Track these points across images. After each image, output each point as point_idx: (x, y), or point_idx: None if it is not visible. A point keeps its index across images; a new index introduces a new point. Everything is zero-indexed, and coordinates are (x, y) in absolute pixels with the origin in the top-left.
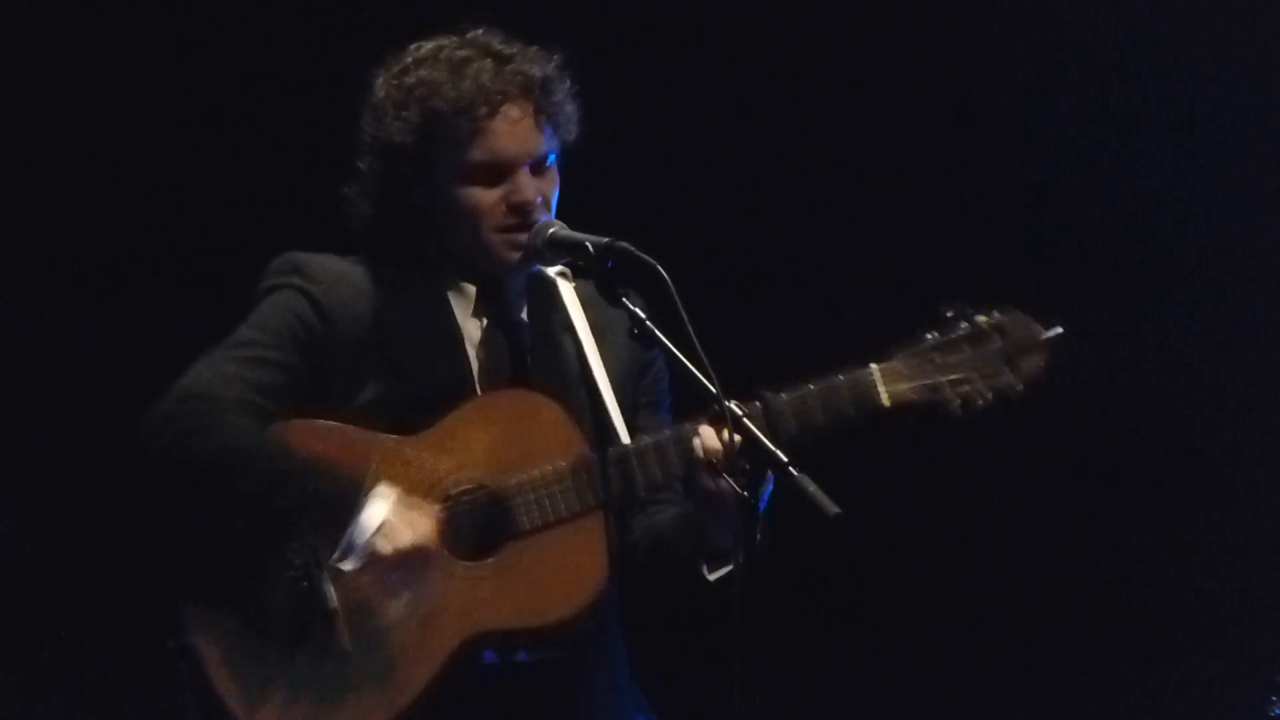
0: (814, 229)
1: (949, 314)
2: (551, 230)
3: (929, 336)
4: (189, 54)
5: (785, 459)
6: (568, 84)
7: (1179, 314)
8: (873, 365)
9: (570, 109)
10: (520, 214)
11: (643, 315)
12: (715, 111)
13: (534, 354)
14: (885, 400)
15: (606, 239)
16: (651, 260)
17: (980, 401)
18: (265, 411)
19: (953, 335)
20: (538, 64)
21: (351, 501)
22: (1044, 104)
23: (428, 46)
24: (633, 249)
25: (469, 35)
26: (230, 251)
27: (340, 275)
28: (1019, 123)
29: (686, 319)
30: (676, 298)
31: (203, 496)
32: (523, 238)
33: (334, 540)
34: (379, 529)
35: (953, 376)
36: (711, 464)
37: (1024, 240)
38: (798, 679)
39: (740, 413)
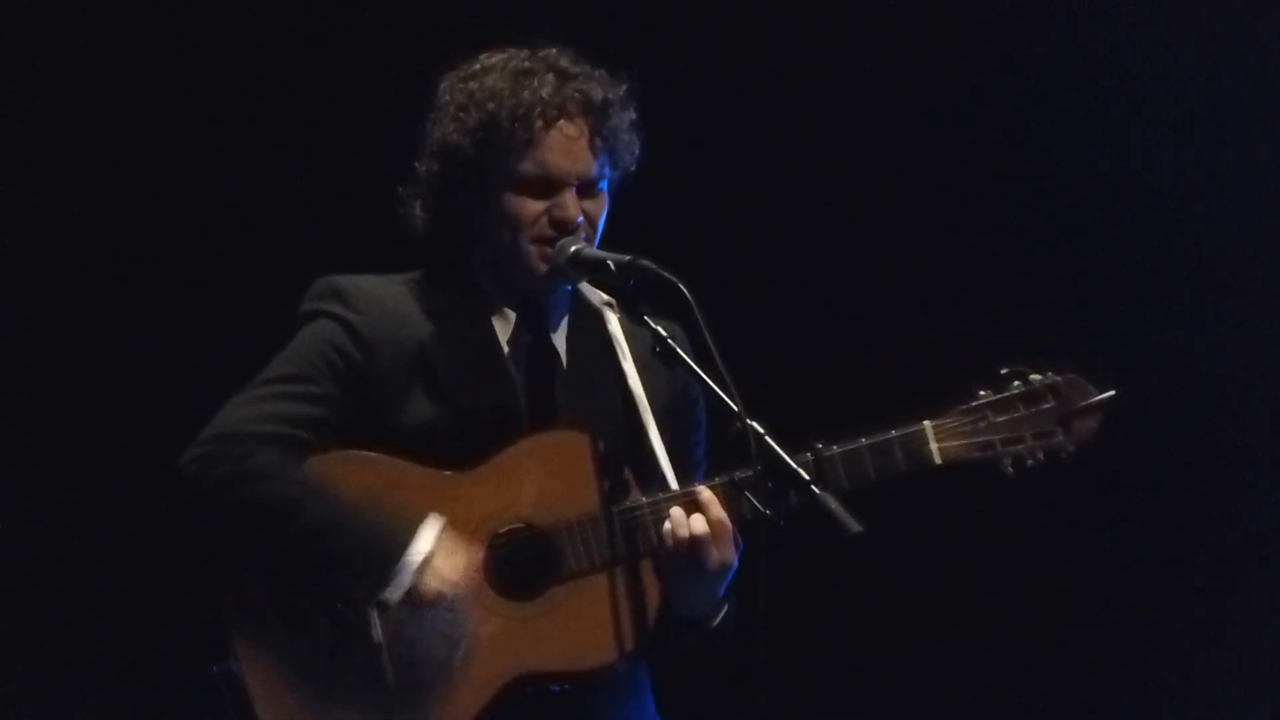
0: (858, 262)
1: (1003, 372)
2: (575, 248)
3: (982, 394)
4: (236, 59)
5: (808, 477)
6: (630, 113)
7: (1180, 317)
8: (926, 422)
9: (629, 138)
10: (560, 230)
11: (664, 334)
12: (769, 144)
13: (570, 384)
14: (937, 458)
15: (629, 257)
16: (674, 279)
17: (1031, 461)
18: (307, 445)
19: (1007, 394)
20: (601, 86)
21: (401, 540)
22: (1086, 133)
23: (497, 56)
24: (655, 268)
25: (540, 51)
26: (253, 256)
27: (381, 302)
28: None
29: (709, 338)
30: (700, 317)
31: (251, 542)
32: (554, 251)
33: (381, 575)
34: (422, 564)
35: (1005, 435)
36: (680, 545)
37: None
38: (815, 697)
39: (761, 432)
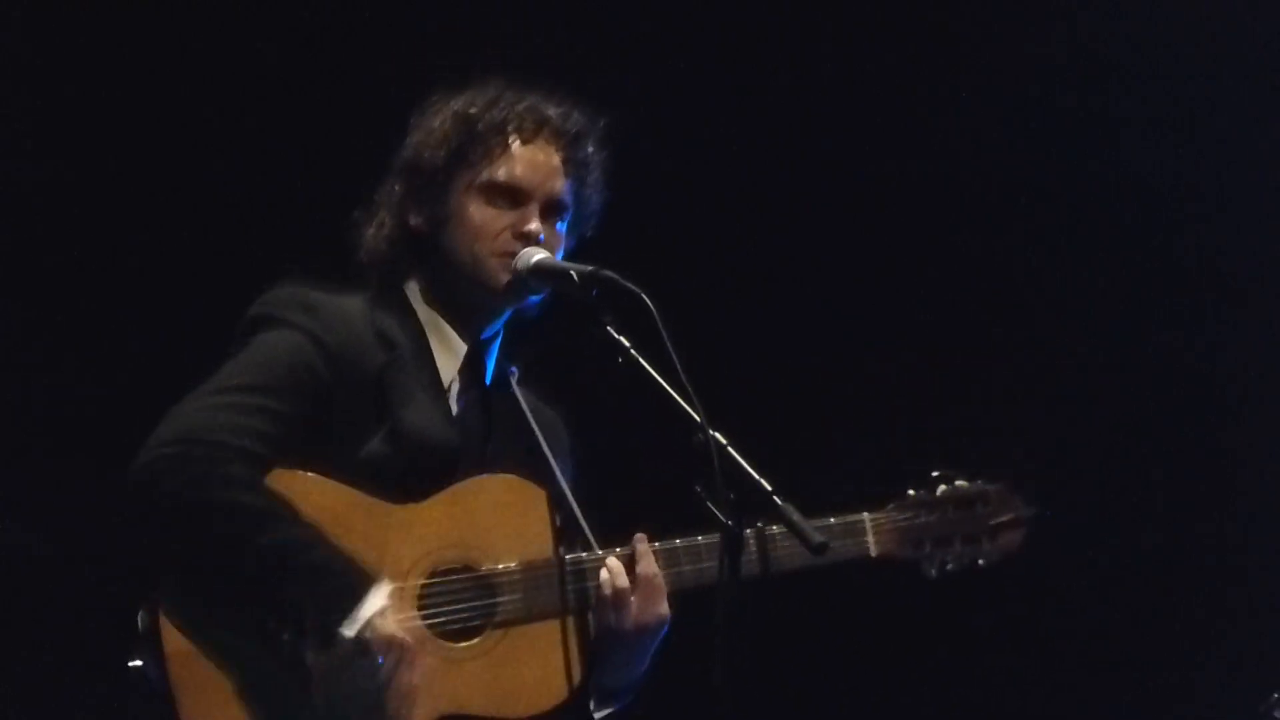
0: (838, 265)
1: (934, 474)
2: (537, 258)
3: (911, 493)
4: (212, 69)
5: (770, 487)
6: (602, 153)
7: (1178, 320)
8: (865, 514)
9: (595, 177)
10: (523, 242)
11: (627, 344)
12: (725, 154)
13: (500, 432)
14: (873, 550)
15: (591, 268)
16: (637, 290)
17: (952, 566)
18: (264, 461)
19: (938, 495)
20: (578, 119)
21: (355, 584)
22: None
23: (481, 84)
24: (618, 278)
25: (521, 85)
26: (226, 257)
27: (349, 323)
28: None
29: (671, 348)
30: (662, 327)
31: (204, 550)
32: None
33: (327, 609)
34: (369, 621)
35: (936, 537)
36: (617, 595)
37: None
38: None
39: (723, 441)
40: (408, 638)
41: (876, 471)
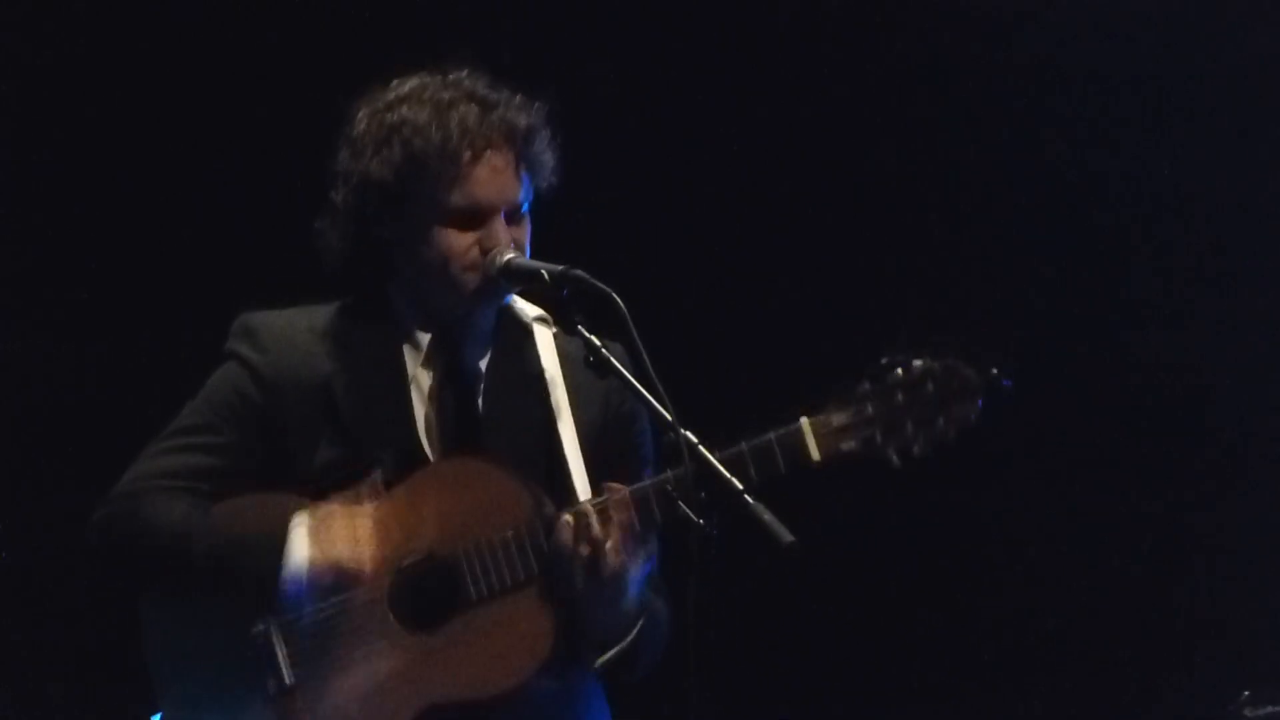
0: (766, 250)
1: (883, 361)
2: (507, 258)
3: (861, 386)
4: (166, 77)
5: (740, 486)
6: (548, 132)
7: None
8: (803, 419)
9: (549, 158)
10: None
11: (598, 343)
12: (675, 135)
13: (489, 405)
14: (815, 454)
15: (562, 267)
16: (607, 289)
17: (915, 449)
18: (204, 495)
19: (886, 383)
20: (522, 113)
21: (272, 559)
22: (1022, 114)
23: (411, 84)
24: (588, 278)
25: (452, 76)
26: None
27: (290, 340)
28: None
29: (642, 348)
30: (632, 327)
31: (159, 589)
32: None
33: (271, 599)
34: (309, 571)
35: (884, 425)
36: (576, 555)
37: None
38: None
39: (694, 441)
40: (345, 551)
41: (829, 370)
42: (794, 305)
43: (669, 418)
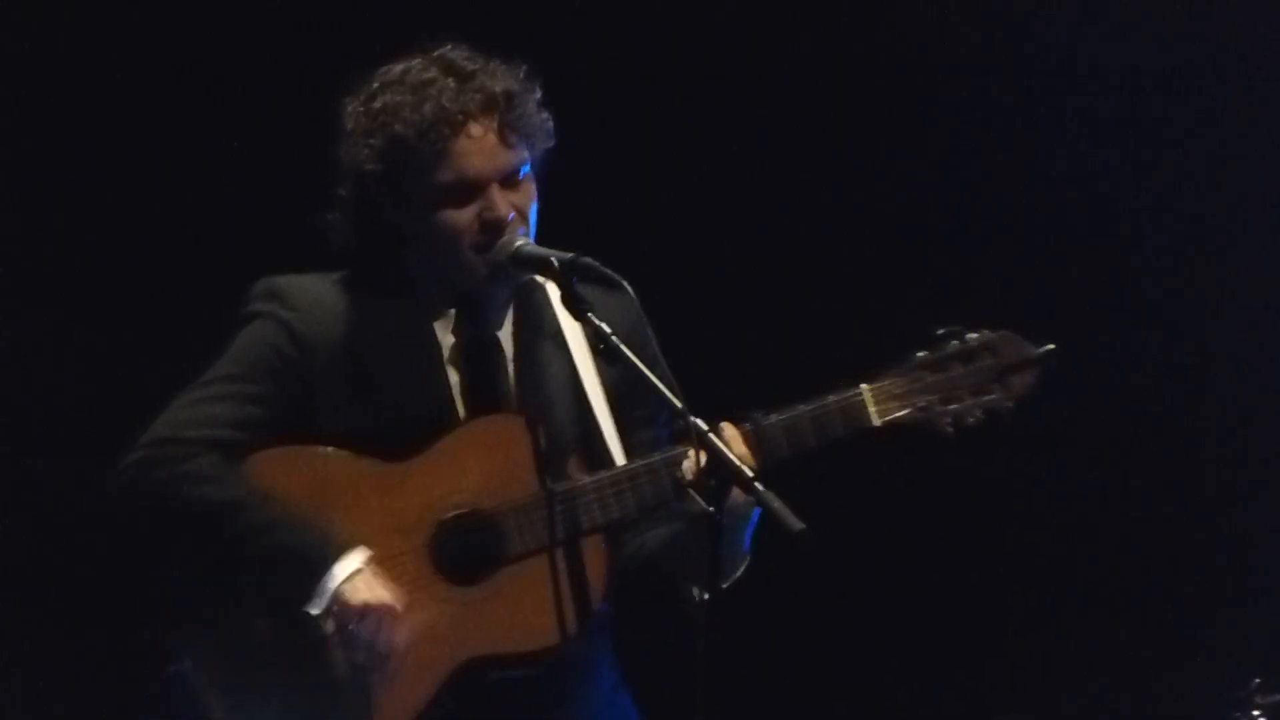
0: (804, 240)
1: (940, 332)
2: (517, 245)
3: (919, 355)
4: (168, 72)
5: (750, 474)
6: (535, 94)
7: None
8: (863, 386)
9: (539, 119)
10: (494, 231)
11: (607, 330)
12: (697, 120)
13: (519, 371)
14: (875, 420)
15: (571, 254)
16: (616, 276)
17: (971, 419)
18: (243, 445)
19: (943, 353)
20: (500, 78)
21: (323, 555)
22: (1037, 112)
23: (395, 70)
24: (598, 265)
25: (435, 54)
26: (218, 259)
27: (318, 300)
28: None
29: (652, 335)
30: (642, 315)
31: (186, 544)
32: (494, 252)
33: (307, 587)
34: (336, 593)
35: (943, 395)
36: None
37: (1019, 247)
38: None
39: (704, 428)
40: (385, 598)
41: (884, 341)
42: (803, 293)
43: (679, 405)
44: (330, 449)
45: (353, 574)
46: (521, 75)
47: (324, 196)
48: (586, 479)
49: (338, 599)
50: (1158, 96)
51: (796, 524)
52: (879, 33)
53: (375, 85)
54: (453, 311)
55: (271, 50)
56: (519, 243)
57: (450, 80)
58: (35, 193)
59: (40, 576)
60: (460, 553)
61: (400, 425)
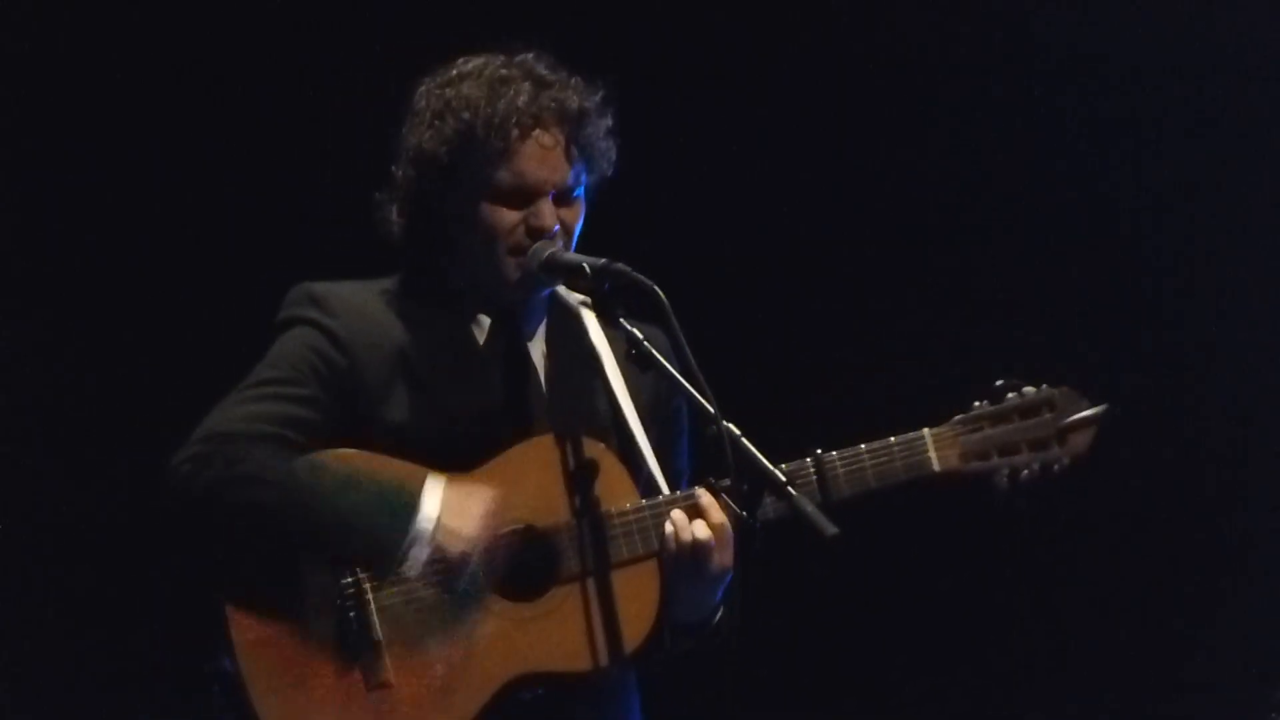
0: (804, 240)
1: (998, 384)
2: (549, 252)
3: (978, 404)
4: (217, 63)
5: (783, 479)
6: (607, 119)
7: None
8: (925, 430)
9: (605, 145)
10: (536, 239)
11: (640, 336)
12: (697, 120)
13: (551, 388)
14: (936, 466)
15: (603, 260)
16: (649, 283)
17: (1026, 474)
18: (295, 445)
19: (1003, 405)
20: (578, 94)
21: (405, 513)
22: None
23: (474, 62)
24: (630, 271)
25: (517, 57)
26: (247, 258)
27: (358, 308)
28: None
29: (684, 341)
30: (674, 320)
31: (248, 541)
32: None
33: (391, 555)
34: (433, 531)
35: (1002, 445)
36: (681, 549)
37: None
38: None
39: (736, 433)
40: (476, 522)
41: (944, 390)
42: (803, 293)
43: (711, 410)
44: (386, 456)
45: (435, 525)
46: (598, 98)
47: (377, 181)
48: (644, 502)
49: (440, 533)
50: (1158, 96)
51: (830, 528)
52: (879, 33)
53: (453, 73)
54: (487, 321)
55: (271, 50)
56: (551, 250)
57: (528, 84)
58: (35, 193)
59: (40, 576)
60: (514, 568)
61: (449, 428)
